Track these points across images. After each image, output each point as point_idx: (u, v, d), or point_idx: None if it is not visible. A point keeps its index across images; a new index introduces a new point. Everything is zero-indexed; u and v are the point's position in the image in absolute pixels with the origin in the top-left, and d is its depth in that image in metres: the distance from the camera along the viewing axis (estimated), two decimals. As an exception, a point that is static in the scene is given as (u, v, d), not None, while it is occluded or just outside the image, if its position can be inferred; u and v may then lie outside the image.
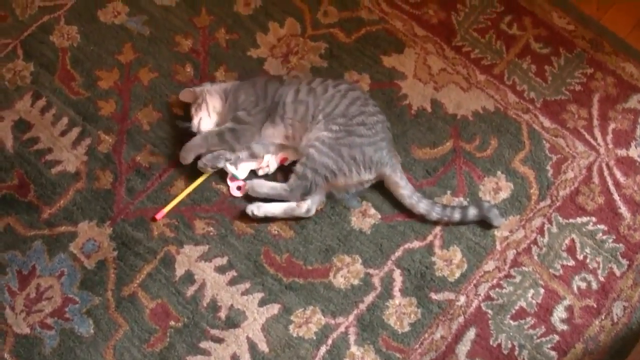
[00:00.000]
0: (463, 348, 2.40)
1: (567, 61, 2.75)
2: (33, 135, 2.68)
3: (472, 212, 2.49)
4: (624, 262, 2.49)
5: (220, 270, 2.49)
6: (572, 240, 2.51)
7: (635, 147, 2.63)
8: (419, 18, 2.82)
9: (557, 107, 2.69)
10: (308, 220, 2.54)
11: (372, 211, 2.55)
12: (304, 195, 2.48)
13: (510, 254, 2.50)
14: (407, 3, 2.85)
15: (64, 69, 2.77)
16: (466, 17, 2.82)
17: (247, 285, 2.47)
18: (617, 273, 2.48)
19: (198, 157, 2.56)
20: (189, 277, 2.48)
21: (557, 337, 2.40)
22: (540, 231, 2.52)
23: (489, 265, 2.48)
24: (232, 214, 2.55)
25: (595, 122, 2.67)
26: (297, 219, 2.54)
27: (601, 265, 2.48)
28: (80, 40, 2.82)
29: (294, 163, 2.55)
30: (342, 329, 2.43)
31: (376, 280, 2.47)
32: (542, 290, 2.45)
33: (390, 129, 2.56)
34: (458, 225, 2.52)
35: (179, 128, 2.62)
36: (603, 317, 2.43)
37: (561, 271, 2.48)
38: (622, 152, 2.62)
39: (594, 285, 2.46)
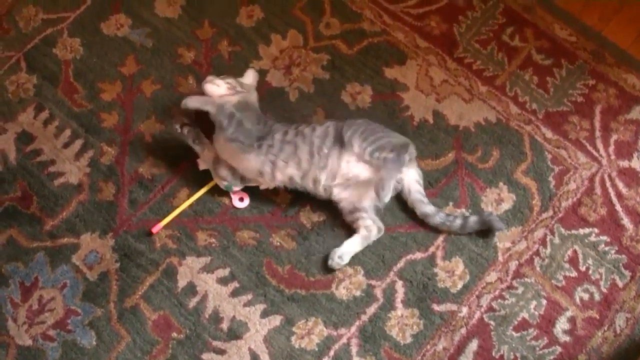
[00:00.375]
0: None
1: (569, 72, 2.75)
2: (36, 147, 2.69)
3: (473, 219, 2.50)
4: (627, 273, 2.48)
5: (223, 281, 2.49)
6: (575, 252, 2.51)
7: (638, 159, 2.62)
8: (421, 30, 2.83)
9: (559, 118, 2.69)
10: (310, 232, 2.54)
11: (374, 222, 2.55)
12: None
13: (513, 265, 2.49)
14: (409, 15, 2.85)
15: (67, 81, 2.78)
16: (468, 29, 2.83)
17: (249, 296, 2.47)
18: (620, 284, 2.47)
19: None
20: (191, 289, 2.48)
21: (559, 349, 2.40)
22: (543, 242, 2.52)
23: (491, 277, 2.48)
24: (234, 226, 2.55)
25: (598, 134, 2.66)
26: (300, 231, 2.54)
27: (604, 277, 2.48)
28: (83, 52, 2.83)
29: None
30: (344, 340, 2.42)
31: (378, 292, 2.47)
32: (544, 302, 2.45)
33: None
34: (459, 235, 2.52)
35: (180, 137, 2.63)
36: (606, 329, 2.42)
37: (563, 282, 2.47)
38: (624, 164, 2.62)
39: (597, 297, 2.46)
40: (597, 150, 2.64)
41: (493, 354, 2.40)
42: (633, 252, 2.50)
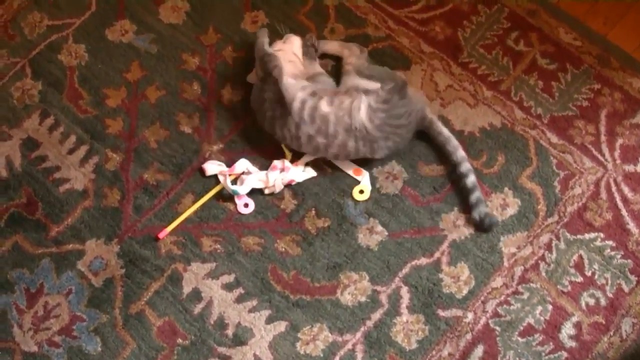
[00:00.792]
0: (471, 365, 2.40)
1: (574, 77, 2.75)
2: (41, 153, 2.69)
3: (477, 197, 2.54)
4: (633, 278, 2.47)
5: (228, 287, 2.49)
6: (580, 257, 2.50)
7: (643, 163, 2.63)
8: (425, 35, 2.83)
9: (564, 123, 2.68)
10: (315, 238, 2.54)
11: (379, 228, 2.55)
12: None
13: (518, 271, 2.49)
14: (413, 20, 2.85)
15: (72, 87, 2.79)
16: (473, 34, 2.82)
17: (254, 302, 2.47)
18: (626, 289, 2.46)
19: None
20: (196, 295, 2.48)
21: (565, 354, 2.39)
22: (548, 247, 2.51)
23: (497, 282, 2.48)
24: (239, 232, 2.55)
25: (603, 138, 2.66)
26: (305, 237, 2.54)
27: (609, 282, 2.47)
28: (88, 58, 2.84)
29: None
30: (349, 346, 2.42)
31: (383, 297, 2.47)
32: (550, 307, 2.44)
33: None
34: (465, 241, 2.52)
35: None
36: (612, 334, 2.42)
37: (569, 287, 2.47)
38: (629, 168, 2.61)
39: (603, 302, 2.45)
40: (603, 155, 2.63)
41: (499, 359, 2.39)
42: (639, 256, 2.49)
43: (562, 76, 2.75)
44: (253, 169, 2.62)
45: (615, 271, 2.48)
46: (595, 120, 2.68)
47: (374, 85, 2.54)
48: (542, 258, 2.50)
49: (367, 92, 2.53)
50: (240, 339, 2.43)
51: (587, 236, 2.53)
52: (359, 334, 2.43)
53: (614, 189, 2.58)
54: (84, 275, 2.53)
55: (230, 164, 2.63)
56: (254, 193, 2.60)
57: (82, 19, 2.91)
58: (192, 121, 2.71)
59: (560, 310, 2.44)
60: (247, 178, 2.58)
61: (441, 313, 2.45)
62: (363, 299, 2.47)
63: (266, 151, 2.66)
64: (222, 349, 2.42)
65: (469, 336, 2.42)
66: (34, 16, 2.93)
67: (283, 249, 2.53)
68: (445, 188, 2.59)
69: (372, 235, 2.54)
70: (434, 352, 2.41)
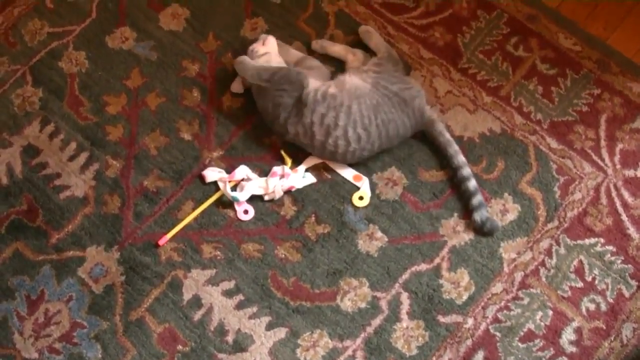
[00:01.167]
0: (471, 371, 2.40)
1: (574, 82, 2.75)
2: (41, 160, 2.70)
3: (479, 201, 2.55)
4: (633, 283, 2.47)
5: (228, 294, 2.49)
6: (580, 262, 2.50)
7: (643, 168, 2.63)
8: (425, 41, 2.83)
9: (564, 128, 2.68)
10: (315, 244, 2.54)
11: (379, 234, 2.55)
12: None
13: (518, 276, 2.49)
14: (413, 26, 2.85)
15: (73, 94, 2.79)
16: (472, 39, 2.82)
17: (255, 309, 2.47)
18: (626, 294, 2.46)
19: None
20: (196, 301, 2.49)
21: (566, 360, 2.40)
22: (548, 253, 2.51)
23: (497, 288, 2.48)
24: (239, 238, 2.56)
25: (603, 143, 2.66)
26: (304, 243, 2.54)
27: (610, 287, 2.47)
28: (89, 65, 2.85)
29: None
30: (349, 352, 2.42)
31: (383, 304, 2.47)
32: (550, 312, 2.44)
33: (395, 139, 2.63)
34: (465, 247, 2.52)
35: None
36: (612, 339, 2.41)
37: (569, 293, 2.47)
38: (629, 173, 2.61)
39: (603, 307, 2.45)
40: (603, 160, 2.63)
41: (499, 365, 2.40)
42: (639, 261, 2.49)
43: (562, 81, 2.75)
44: (253, 175, 2.62)
45: (616, 276, 2.48)
46: (595, 125, 2.68)
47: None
48: (542, 263, 2.50)
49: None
50: (240, 345, 2.43)
51: (587, 241, 2.52)
52: (359, 340, 2.43)
53: (614, 194, 2.58)
54: (84, 282, 2.53)
55: (230, 170, 2.63)
56: (254, 200, 2.60)
57: (83, 26, 2.92)
58: (192, 128, 2.71)
59: (561, 316, 2.44)
60: (247, 185, 2.59)
61: (441, 319, 2.45)
62: (363, 305, 2.47)
63: (266, 158, 2.67)
64: (222, 356, 2.43)
65: (469, 342, 2.42)
66: (34, 23, 2.93)
67: (283, 256, 2.53)
68: (445, 194, 2.59)
69: (372, 242, 2.54)
70: (434, 358, 2.41)
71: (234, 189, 2.61)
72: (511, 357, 2.40)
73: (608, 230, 2.54)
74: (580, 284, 2.47)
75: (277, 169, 2.61)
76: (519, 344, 2.41)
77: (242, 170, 2.62)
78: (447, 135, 2.62)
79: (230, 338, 2.44)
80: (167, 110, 2.75)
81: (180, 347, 2.44)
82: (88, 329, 2.47)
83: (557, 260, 2.50)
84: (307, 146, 2.60)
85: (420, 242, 2.54)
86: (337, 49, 2.76)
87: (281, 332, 2.45)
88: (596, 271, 2.49)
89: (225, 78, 2.79)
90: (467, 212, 2.57)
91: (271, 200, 2.60)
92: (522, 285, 2.48)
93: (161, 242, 2.55)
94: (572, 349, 2.40)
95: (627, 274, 2.48)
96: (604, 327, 2.43)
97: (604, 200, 2.57)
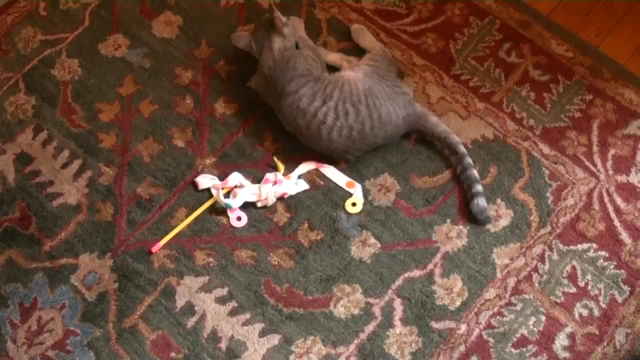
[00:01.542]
0: (464, 377, 2.40)
1: (566, 88, 2.75)
2: (34, 168, 2.70)
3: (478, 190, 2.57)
4: (626, 288, 2.48)
5: (221, 301, 2.49)
6: (573, 267, 2.50)
7: (636, 173, 2.62)
8: (417, 47, 2.84)
9: (556, 134, 2.69)
10: (308, 251, 2.54)
11: (372, 240, 2.55)
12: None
13: (511, 282, 2.49)
14: (405, 32, 2.86)
15: (66, 102, 2.80)
16: (465, 46, 2.83)
17: (248, 315, 2.47)
18: (619, 300, 2.46)
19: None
20: (189, 308, 2.49)
21: (559, 365, 2.40)
22: (541, 258, 2.51)
23: (490, 293, 2.48)
24: (232, 245, 2.56)
25: (595, 149, 2.67)
26: (298, 250, 2.54)
27: (603, 292, 2.47)
28: (82, 73, 2.85)
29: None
30: (342, 358, 2.42)
31: (377, 310, 2.47)
32: (543, 318, 2.44)
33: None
34: (458, 253, 2.52)
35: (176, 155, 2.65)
36: (605, 344, 2.42)
37: (562, 298, 2.47)
38: (622, 178, 2.62)
39: (596, 312, 2.45)
40: (595, 166, 2.64)
41: (492, 371, 2.40)
42: (632, 267, 2.50)
43: (554, 87, 2.76)
44: (246, 182, 2.62)
45: (609, 281, 2.48)
46: (588, 131, 2.69)
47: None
48: (535, 269, 2.50)
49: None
50: (233, 352, 2.43)
51: (580, 247, 2.53)
52: (352, 347, 2.43)
53: (606, 199, 2.59)
54: (77, 290, 2.53)
55: (223, 177, 2.63)
56: (247, 206, 2.60)
57: (76, 34, 2.92)
58: (185, 135, 2.72)
59: (554, 321, 2.44)
60: (240, 191, 2.59)
61: (434, 325, 2.45)
62: (356, 311, 2.47)
63: (259, 165, 2.67)
64: (215, 363, 2.43)
65: (462, 348, 2.42)
66: (27, 31, 2.94)
67: (276, 262, 2.53)
68: (437, 200, 2.60)
69: (365, 248, 2.54)
70: (427, 364, 2.41)
71: (227, 195, 2.61)
72: (505, 363, 2.41)
73: (601, 236, 2.54)
74: (573, 290, 2.48)
75: (269, 176, 2.61)
76: (513, 349, 2.41)
77: (235, 177, 2.62)
78: (444, 126, 2.64)
79: (223, 345, 2.44)
80: (160, 117, 2.76)
81: (173, 354, 2.44)
82: (81, 336, 2.47)
83: (550, 266, 2.50)
84: (300, 127, 2.60)
85: (413, 249, 2.54)
86: (332, 58, 2.76)
87: (274, 339, 2.45)
88: (589, 277, 2.49)
89: (218, 85, 2.80)
90: (467, 198, 2.59)
91: (264, 207, 2.61)
92: (515, 291, 2.48)
93: (154, 249, 2.55)
94: (565, 354, 2.40)
95: (619, 279, 2.48)
96: (597, 333, 2.43)
97: (596, 205, 2.58)
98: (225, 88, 2.79)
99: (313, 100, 2.56)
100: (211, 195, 2.62)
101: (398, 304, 2.47)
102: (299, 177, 2.64)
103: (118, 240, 2.58)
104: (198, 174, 2.66)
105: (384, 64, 2.68)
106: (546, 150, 2.66)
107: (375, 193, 2.62)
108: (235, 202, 2.57)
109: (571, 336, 2.42)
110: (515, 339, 2.42)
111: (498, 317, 2.45)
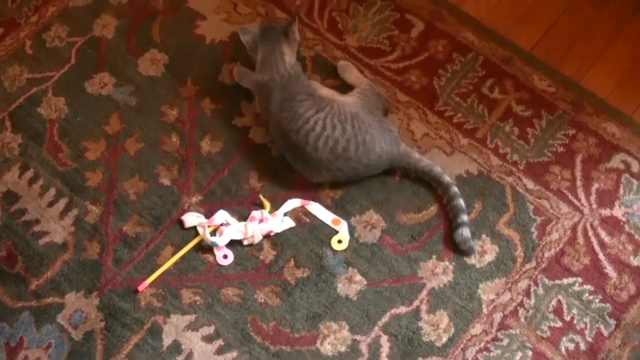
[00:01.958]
0: (452, 413, 2.40)
1: (549, 123, 2.78)
2: (21, 206, 2.70)
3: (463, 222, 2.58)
4: (612, 321, 2.48)
5: (208, 339, 2.49)
6: (559, 302, 2.51)
7: (619, 207, 2.64)
8: (401, 84, 2.86)
9: (540, 168, 2.71)
10: (294, 288, 2.54)
11: (358, 277, 2.55)
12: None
13: (497, 317, 2.50)
14: (389, 70, 2.88)
15: (52, 140, 2.80)
16: (448, 82, 2.86)
17: (234, 354, 2.47)
18: (605, 333, 2.47)
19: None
20: (176, 347, 2.48)
21: (546, 400, 2.41)
22: (527, 293, 2.52)
23: (476, 329, 2.48)
24: (219, 283, 2.56)
25: (579, 183, 2.68)
26: (284, 287, 2.54)
27: (589, 326, 2.48)
28: (68, 111, 2.86)
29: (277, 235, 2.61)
30: (330, 396, 2.43)
31: (363, 347, 2.47)
32: (530, 353, 2.45)
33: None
34: (443, 289, 2.53)
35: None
36: (592, 379, 2.43)
37: (549, 333, 2.48)
38: (606, 212, 2.64)
39: (582, 346, 2.46)
40: (579, 200, 2.65)
41: (479, 407, 2.40)
42: (617, 300, 2.51)
43: (537, 122, 2.78)
44: (232, 220, 2.63)
45: (594, 315, 2.49)
46: (571, 166, 2.71)
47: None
48: (521, 304, 2.51)
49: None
50: (220, 391, 2.44)
51: (565, 281, 2.54)
52: (340, 384, 2.44)
53: (590, 233, 2.60)
54: (63, 329, 2.52)
55: (209, 215, 2.64)
56: (233, 244, 2.61)
57: (62, 72, 2.93)
58: (171, 173, 2.72)
59: (540, 356, 2.45)
60: (226, 229, 2.59)
61: (421, 361, 2.46)
62: (343, 348, 2.47)
63: (244, 202, 2.67)
64: (202, 402, 2.43)
65: (449, 384, 2.43)
66: (14, 69, 2.94)
67: (263, 300, 2.53)
68: (423, 236, 2.61)
69: (351, 285, 2.55)
70: (414, 401, 2.41)
71: (213, 233, 2.62)
72: (492, 398, 2.41)
73: (586, 270, 2.55)
74: (559, 324, 2.48)
75: (255, 214, 2.62)
76: (499, 385, 2.42)
77: (221, 215, 2.63)
78: (427, 160, 2.66)
79: (210, 383, 2.45)
80: (146, 155, 2.76)
81: (160, 393, 2.44)
82: (68, 376, 2.47)
83: (535, 301, 2.51)
84: (290, 130, 2.63)
85: (399, 285, 2.55)
86: (325, 92, 2.78)
87: (261, 377, 2.45)
88: (575, 311, 2.50)
89: (204, 123, 2.81)
90: (452, 228, 2.60)
91: (250, 245, 2.61)
92: (502, 326, 2.49)
93: (140, 287, 2.54)
94: (552, 389, 2.42)
95: (605, 313, 2.49)
96: (584, 367, 2.44)
97: (581, 239, 2.59)
98: (210, 126, 2.80)
99: (309, 109, 2.61)
100: (197, 234, 2.62)
101: (385, 341, 2.47)
102: (285, 214, 2.65)
103: (104, 278, 2.58)
104: (184, 212, 2.66)
105: (372, 100, 2.71)
106: (530, 185, 2.68)
107: (361, 230, 2.63)
108: (221, 240, 2.58)
109: (558, 371, 2.44)
110: (502, 375, 2.43)
111: (485, 352, 2.45)
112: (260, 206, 2.65)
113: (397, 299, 2.52)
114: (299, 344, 2.48)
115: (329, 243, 2.60)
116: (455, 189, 2.62)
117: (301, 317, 2.51)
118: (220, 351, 2.47)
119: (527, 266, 2.56)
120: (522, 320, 2.49)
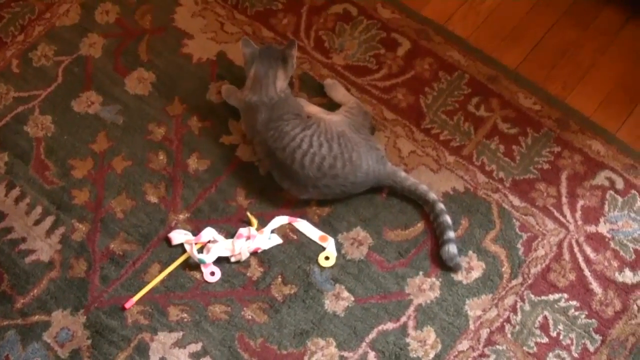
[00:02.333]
0: None
1: (535, 140, 2.80)
2: (7, 225, 2.69)
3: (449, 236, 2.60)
4: (597, 337, 2.49)
5: (195, 356, 2.48)
6: (545, 318, 2.52)
7: (604, 223, 2.66)
8: (388, 102, 2.88)
9: (526, 186, 2.72)
10: (282, 305, 2.54)
11: (346, 294, 2.56)
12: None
13: (484, 333, 2.50)
14: (376, 88, 2.90)
15: (38, 158, 2.80)
16: (434, 100, 2.87)
17: (222, 371, 2.47)
18: (591, 349, 2.48)
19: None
20: (163, 365, 2.48)
21: (533, 416, 2.41)
22: (513, 309, 2.53)
23: (463, 345, 2.49)
24: (206, 300, 2.55)
25: (564, 200, 2.70)
26: (271, 304, 2.54)
27: (575, 342, 2.49)
28: (55, 130, 2.86)
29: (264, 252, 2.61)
30: (318, 413, 2.42)
31: (351, 364, 2.48)
32: (516, 369, 2.46)
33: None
34: (430, 305, 2.53)
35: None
36: (579, 394, 2.43)
37: (535, 349, 2.48)
38: (591, 229, 2.65)
39: (569, 362, 2.47)
40: (565, 217, 2.67)
41: (467, 423, 2.40)
42: (603, 316, 2.52)
43: (523, 140, 2.80)
44: (219, 237, 2.63)
45: (580, 331, 2.50)
46: (557, 183, 2.73)
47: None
48: (508, 320, 2.52)
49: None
50: (208, 408, 2.43)
51: (551, 297, 2.55)
52: (327, 401, 2.44)
53: (576, 249, 2.61)
54: (50, 347, 2.51)
55: (196, 232, 2.64)
56: (221, 261, 2.60)
57: (49, 91, 2.94)
58: (158, 191, 2.73)
59: (527, 372, 2.46)
60: (214, 247, 2.59)
61: (409, 378, 2.46)
62: (330, 365, 2.47)
63: (232, 220, 2.68)
64: (190, 420, 2.42)
65: (437, 400, 2.43)
66: (0, 88, 2.95)
67: (250, 317, 2.53)
68: (410, 253, 2.61)
69: (338, 301, 2.55)
70: (402, 418, 2.41)
71: (200, 251, 2.62)
72: (479, 414, 2.41)
73: (571, 286, 2.56)
74: (545, 340, 2.49)
75: (243, 231, 2.62)
76: (487, 401, 2.42)
77: (209, 233, 2.63)
78: (413, 179, 2.67)
79: (197, 401, 2.44)
80: (134, 173, 2.76)
81: (147, 411, 2.43)
82: (54, 394, 2.46)
83: (522, 317, 2.52)
84: (277, 149, 2.64)
85: (387, 301, 2.55)
86: (312, 110, 2.79)
87: (249, 395, 2.44)
88: (561, 326, 2.50)
89: (191, 141, 2.81)
90: (439, 245, 2.61)
91: (238, 262, 2.61)
92: (488, 342, 2.49)
93: (127, 305, 2.54)
94: (539, 405, 2.42)
95: (591, 329, 2.50)
96: (570, 383, 2.45)
97: (566, 256, 2.61)
98: (198, 144, 2.81)
99: (295, 127, 2.63)
100: (184, 251, 2.62)
101: (372, 357, 2.47)
102: (272, 231, 2.65)
103: (91, 296, 2.57)
104: (171, 229, 2.66)
105: (360, 118, 2.72)
106: (516, 202, 2.69)
107: (348, 247, 2.63)
108: (208, 258, 2.58)
109: (544, 387, 2.44)
110: (489, 391, 2.43)
111: (472, 368, 2.46)
112: (248, 223, 2.66)
113: (384, 316, 2.53)
114: (286, 361, 2.48)
115: (317, 260, 2.61)
116: (441, 206, 2.63)
117: (289, 334, 2.50)
118: (207, 368, 2.47)
119: (514, 282, 2.57)
120: (509, 336, 2.50)
